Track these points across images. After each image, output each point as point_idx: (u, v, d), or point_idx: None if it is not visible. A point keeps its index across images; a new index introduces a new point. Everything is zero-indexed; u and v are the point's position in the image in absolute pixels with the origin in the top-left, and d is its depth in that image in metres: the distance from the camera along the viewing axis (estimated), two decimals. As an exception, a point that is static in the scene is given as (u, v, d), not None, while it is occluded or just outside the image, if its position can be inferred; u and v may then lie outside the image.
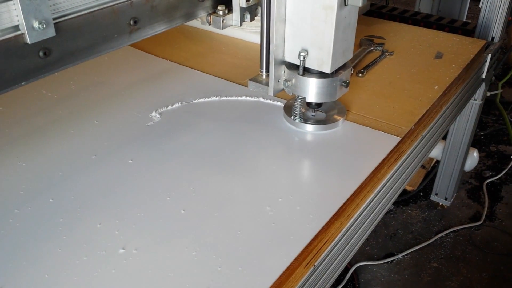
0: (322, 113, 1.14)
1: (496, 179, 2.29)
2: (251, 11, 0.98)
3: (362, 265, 1.85)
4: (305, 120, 1.10)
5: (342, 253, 0.96)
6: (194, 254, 0.79)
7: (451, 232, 2.00)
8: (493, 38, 1.67)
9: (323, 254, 0.87)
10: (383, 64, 1.40)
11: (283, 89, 1.04)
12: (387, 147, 1.06)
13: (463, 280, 1.80)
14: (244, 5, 0.95)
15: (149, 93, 1.22)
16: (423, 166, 2.29)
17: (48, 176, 0.95)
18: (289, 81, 1.02)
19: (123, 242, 0.80)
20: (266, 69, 1.04)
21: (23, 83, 0.70)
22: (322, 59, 0.96)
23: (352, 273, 1.81)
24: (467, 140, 1.90)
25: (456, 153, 1.96)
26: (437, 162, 2.12)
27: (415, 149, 1.18)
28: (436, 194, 2.12)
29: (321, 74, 1.00)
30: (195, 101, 1.19)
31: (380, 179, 1.02)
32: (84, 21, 0.75)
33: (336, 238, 0.90)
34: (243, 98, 1.21)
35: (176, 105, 1.17)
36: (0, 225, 0.84)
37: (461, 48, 1.50)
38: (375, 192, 1.00)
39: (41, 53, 0.70)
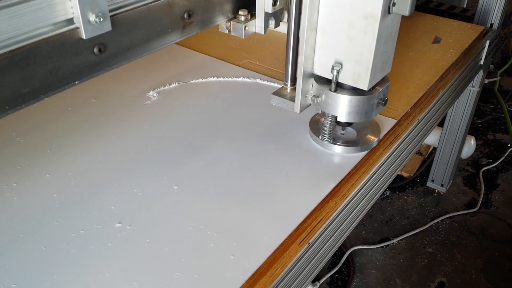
0: (352, 132, 1.04)
1: (493, 167, 2.30)
2: (276, 16, 0.87)
3: (357, 249, 1.87)
4: (334, 140, 1.00)
5: (336, 232, 0.97)
6: (189, 229, 0.80)
7: (447, 218, 2.01)
8: (492, 24, 1.67)
9: (318, 232, 0.88)
10: (381, 48, 1.40)
11: (310, 105, 0.93)
12: (383, 129, 1.06)
13: (458, 265, 1.81)
14: (270, 10, 0.83)
15: (146, 72, 1.22)
16: (419, 153, 2.30)
17: (45, 151, 0.95)
18: (318, 97, 0.90)
19: (119, 216, 0.81)
20: (291, 82, 0.92)
21: (76, 82, 0.64)
22: (359, 74, 0.84)
23: (347, 257, 1.83)
24: (464, 127, 1.91)
25: (453, 140, 1.97)
26: (434, 149, 2.12)
27: (411, 132, 1.19)
28: (433, 181, 2.13)
29: (356, 91, 0.88)
30: (193, 81, 1.19)
31: (375, 161, 1.02)
32: (140, 14, 0.69)
33: (331, 217, 0.91)
34: (241, 79, 1.21)
35: (174, 85, 1.17)
36: (-2, 199, 0.85)
37: (460, 33, 1.50)
38: (370, 173, 1.01)
39: (95, 50, 0.64)
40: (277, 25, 0.88)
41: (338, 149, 0.99)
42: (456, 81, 1.42)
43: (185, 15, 0.75)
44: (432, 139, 2.05)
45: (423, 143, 2.17)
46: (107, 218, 0.81)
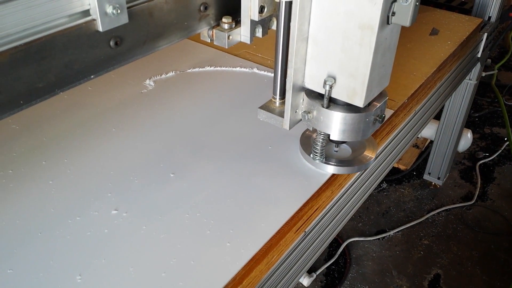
0: (347, 148, 0.96)
1: (489, 161, 2.31)
2: (264, 23, 0.78)
3: (354, 241, 1.87)
4: (327, 158, 0.91)
5: (332, 222, 0.97)
6: (186, 216, 0.80)
7: (443, 211, 2.02)
8: (489, 17, 1.67)
9: (314, 221, 0.88)
10: (379, 39, 1.40)
11: (301, 120, 0.85)
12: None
13: (453, 257, 1.82)
14: (256, 17, 0.75)
15: (143, 61, 1.22)
16: (416, 146, 2.30)
17: (41, 139, 0.95)
18: (309, 112, 0.82)
19: (115, 203, 0.81)
20: (280, 95, 0.83)
21: (92, 76, 0.63)
22: (354, 89, 0.75)
23: (343, 248, 1.83)
24: (461, 120, 1.91)
25: (449, 133, 1.97)
26: (431, 142, 2.13)
27: (408, 123, 1.19)
28: (429, 174, 2.13)
29: (350, 107, 0.80)
30: (189, 70, 1.19)
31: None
32: (156, 6, 0.67)
33: (327, 206, 0.91)
34: (237, 69, 1.21)
35: (170, 74, 1.17)
36: (-6, 186, 0.84)
37: (457, 25, 1.50)
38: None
39: (112, 43, 0.62)
40: (264, 33, 0.80)
41: (331, 169, 0.91)
42: (453, 73, 1.42)
43: (201, 8, 0.73)
44: (429, 132, 2.06)
45: (420, 136, 2.18)
46: (103, 205, 0.81)
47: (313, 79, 0.79)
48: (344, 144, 0.96)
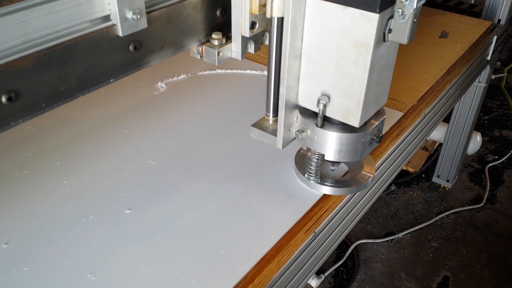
0: (343, 167, 0.93)
1: (498, 163, 2.30)
2: (256, 39, 0.75)
3: (362, 243, 1.88)
4: (322, 178, 0.87)
5: (342, 223, 0.98)
6: (198, 216, 0.81)
7: (452, 213, 2.02)
8: (499, 20, 1.67)
9: (324, 222, 0.89)
10: (388, 41, 1.41)
11: (295, 139, 0.81)
12: (389, 122, 1.07)
13: (462, 260, 1.82)
14: (247, 34, 0.72)
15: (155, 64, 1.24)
16: (425, 149, 2.30)
17: (55, 139, 0.97)
18: (303, 131, 0.79)
19: (128, 203, 0.82)
20: (273, 112, 0.80)
21: (111, 80, 0.64)
22: (349, 108, 0.72)
23: (352, 250, 1.84)
24: (470, 123, 1.91)
25: (459, 136, 1.97)
26: (440, 145, 2.13)
27: (417, 125, 1.19)
28: (438, 176, 2.13)
29: (346, 126, 0.76)
30: (200, 73, 1.20)
31: (381, 153, 1.03)
32: (175, 11, 0.67)
33: (337, 207, 0.92)
34: (248, 71, 1.22)
35: (182, 76, 1.18)
36: (10, 184, 0.86)
37: (467, 28, 1.50)
38: (376, 165, 1.02)
39: (131, 47, 0.63)
40: (257, 49, 0.77)
41: (326, 189, 0.86)
42: (463, 76, 1.42)
43: (218, 13, 0.73)
44: (438, 134, 2.06)
45: (429, 139, 2.18)
46: (117, 204, 0.82)
47: (307, 97, 0.76)
48: (341, 163, 0.93)
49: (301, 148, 0.93)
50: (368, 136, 0.78)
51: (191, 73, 1.20)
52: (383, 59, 0.70)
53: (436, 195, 2.11)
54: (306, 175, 0.87)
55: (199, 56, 0.74)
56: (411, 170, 2.21)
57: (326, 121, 0.77)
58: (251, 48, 0.76)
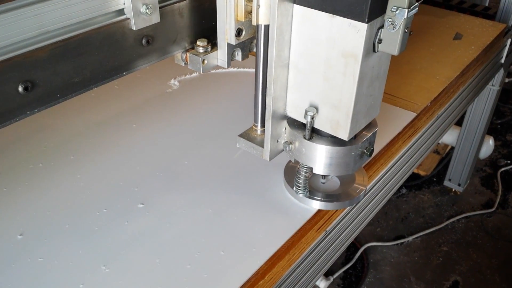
0: (335, 181, 0.88)
1: (511, 168, 2.28)
2: (243, 46, 0.73)
3: (372, 246, 1.87)
4: (311, 192, 0.83)
5: (353, 223, 0.98)
6: (210, 212, 0.81)
7: (463, 217, 2.00)
8: (514, 23, 1.66)
9: (335, 221, 0.88)
10: (402, 43, 1.40)
11: (283, 150, 0.78)
12: (402, 123, 1.07)
13: (473, 264, 1.80)
14: (233, 41, 0.70)
15: (168, 61, 1.24)
16: (437, 152, 2.29)
17: (69, 134, 0.98)
18: (291, 143, 0.76)
19: (141, 198, 0.83)
20: (261, 123, 0.77)
21: (124, 73, 0.65)
22: (338, 121, 0.69)
23: (361, 253, 1.83)
24: (483, 126, 1.90)
25: (471, 139, 1.95)
26: (452, 148, 2.11)
27: (430, 127, 1.19)
28: (450, 180, 2.12)
29: (335, 139, 0.73)
30: (213, 71, 1.21)
31: (394, 153, 1.03)
32: (187, 6, 0.68)
33: (348, 207, 0.92)
34: (261, 70, 1.22)
35: (194, 74, 1.19)
36: (25, 177, 0.87)
37: (481, 30, 1.49)
38: (388, 166, 1.02)
39: (144, 41, 0.64)
40: (245, 57, 0.74)
41: (316, 204, 0.83)
42: (476, 78, 1.41)
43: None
44: (450, 138, 2.04)
45: (441, 142, 2.17)
46: (130, 198, 0.83)
47: (295, 108, 0.73)
48: (331, 176, 0.88)
49: (289, 163, 0.90)
50: (358, 149, 0.75)
51: (202, 72, 1.20)
52: (374, 70, 0.67)
53: (447, 199, 2.10)
54: (294, 188, 0.83)
55: (183, 63, 0.73)
56: (422, 173, 2.19)
57: (315, 133, 0.74)
58: (238, 56, 0.74)
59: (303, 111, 0.70)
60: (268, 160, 0.75)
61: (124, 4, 0.60)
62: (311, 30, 0.65)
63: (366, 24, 0.59)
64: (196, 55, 0.71)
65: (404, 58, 1.31)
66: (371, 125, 0.76)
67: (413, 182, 2.17)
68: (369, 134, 0.75)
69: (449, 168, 2.10)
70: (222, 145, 0.97)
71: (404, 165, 1.12)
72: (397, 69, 1.26)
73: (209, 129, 1.01)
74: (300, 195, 0.83)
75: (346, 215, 0.92)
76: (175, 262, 0.72)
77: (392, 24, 0.59)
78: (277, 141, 0.76)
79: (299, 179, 0.81)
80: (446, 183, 2.14)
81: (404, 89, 1.18)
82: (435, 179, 2.20)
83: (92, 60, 0.60)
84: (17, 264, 0.71)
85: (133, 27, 0.62)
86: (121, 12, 0.61)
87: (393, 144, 1.02)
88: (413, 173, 2.21)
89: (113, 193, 0.84)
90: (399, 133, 1.04)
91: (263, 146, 0.76)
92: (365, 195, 0.87)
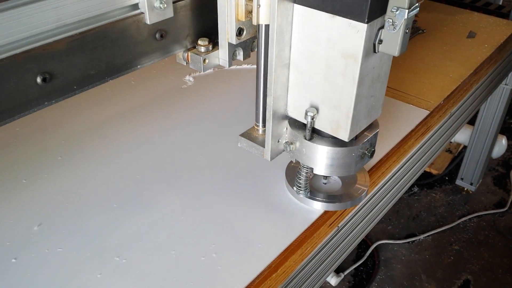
0: (336, 181, 0.88)
1: (524, 168, 2.27)
2: (245, 46, 0.73)
3: (383, 243, 1.87)
4: (313, 192, 0.84)
5: (365, 219, 0.99)
6: (223, 205, 0.83)
7: (475, 217, 2.00)
8: (528, 22, 1.65)
9: (347, 217, 0.89)
10: (415, 41, 1.41)
11: (284, 150, 0.78)
12: (415, 120, 1.07)
13: (484, 263, 1.80)
14: (234, 41, 0.70)
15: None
16: (449, 151, 2.28)
17: (86, 128, 1.00)
18: (292, 143, 0.76)
19: (159, 189, 0.85)
20: (262, 123, 0.78)
21: (138, 66, 0.67)
22: (338, 122, 0.69)
23: (372, 250, 1.83)
24: (496, 125, 1.89)
25: (484, 139, 1.95)
26: (464, 147, 2.11)
27: (443, 125, 1.19)
28: (462, 179, 2.11)
29: (336, 140, 0.73)
30: (227, 68, 1.22)
31: (406, 150, 1.03)
32: (200, 2, 0.69)
33: (360, 204, 0.92)
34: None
35: (209, 70, 1.20)
36: (44, 169, 0.90)
37: (495, 29, 1.49)
38: (401, 163, 1.02)
39: (157, 35, 0.66)
40: (246, 56, 0.75)
41: (317, 204, 0.83)
42: (490, 77, 1.41)
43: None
44: (463, 137, 2.04)
45: (453, 141, 2.16)
46: (147, 191, 0.85)
47: (296, 108, 0.73)
48: (333, 177, 0.88)
49: (291, 163, 0.90)
50: (359, 150, 0.75)
51: (219, 68, 1.22)
52: (375, 71, 0.67)
53: (459, 198, 2.09)
54: (295, 188, 0.84)
55: (185, 62, 0.73)
56: (434, 172, 2.19)
57: (316, 134, 0.74)
58: (239, 55, 0.74)
59: (304, 112, 0.70)
60: (269, 160, 0.76)
61: None
62: (311, 30, 0.65)
63: (366, 25, 0.59)
64: (197, 54, 0.71)
65: (418, 56, 1.32)
66: (372, 126, 0.76)
67: (425, 181, 2.17)
68: (370, 135, 0.76)
69: (461, 167, 2.10)
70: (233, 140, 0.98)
71: (416, 163, 1.12)
72: (410, 67, 1.27)
73: (224, 124, 1.03)
74: (301, 195, 0.83)
75: (358, 211, 0.93)
76: (190, 254, 0.74)
77: (393, 24, 0.59)
78: (278, 141, 0.76)
79: (300, 179, 0.81)
80: (458, 182, 2.13)
81: (417, 86, 1.18)
82: (447, 178, 2.20)
83: (107, 53, 0.62)
84: (36, 254, 0.73)
85: (148, 21, 0.63)
86: (135, 6, 0.63)
87: (406, 141, 1.03)
88: (425, 171, 2.21)
89: (129, 185, 0.86)
90: (412, 130, 1.05)
91: (264, 146, 0.76)
92: (366, 195, 0.87)
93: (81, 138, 0.97)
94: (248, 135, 0.79)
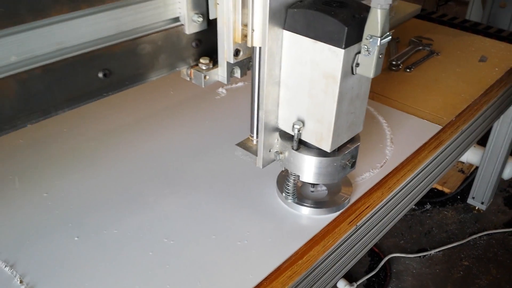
0: (323, 190, 0.97)
1: (534, 190, 2.33)
2: (242, 65, 0.82)
3: (395, 257, 1.94)
4: (300, 199, 0.93)
5: (381, 222, 1.07)
6: (256, 200, 0.93)
7: (485, 235, 2.06)
8: (539, 49, 1.74)
9: (365, 217, 0.98)
10: (430, 62, 1.51)
11: (275, 160, 0.87)
12: (428, 134, 1.16)
13: (493, 280, 1.86)
14: (231, 60, 0.79)
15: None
16: (462, 171, 2.36)
17: (116, 126, 1.12)
18: (281, 153, 0.85)
19: (196, 182, 0.96)
20: (256, 134, 0.87)
21: (177, 68, 0.79)
22: (321, 134, 0.79)
23: (384, 263, 1.90)
24: (507, 147, 1.96)
25: (495, 160, 2.02)
26: (476, 168, 2.18)
27: (454, 140, 1.27)
28: (473, 198, 2.18)
29: (320, 151, 0.82)
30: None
31: (420, 161, 1.12)
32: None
33: (377, 206, 1.01)
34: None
35: (240, 84, 1.31)
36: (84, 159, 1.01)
37: (506, 54, 1.58)
38: (415, 172, 1.11)
39: (194, 44, 0.78)
40: (243, 74, 0.84)
41: (304, 210, 0.92)
42: (500, 98, 1.50)
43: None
44: (475, 158, 2.11)
45: (466, 162, 2.23)
46: (185, 182, 0.96)
47: (286, 122, 0.82)
48: (320, 185, 0.97)
49: (282, 172, 0.99)
50: (341, 161, 0.84)
51: (248, 82, 1.33)
52: (354, 91, 0.76)
53: (470, 216, 2.16)
54: (284, 194, 0.92)
55: (188, 78, 0.83)
56: (447, 191, 2.27)
57: (302, 145, 0.83)
58: (237, 73, 0.83)
59: (292, 124, 0.80)
60: (261, 167, 0.85)
61: (180, 13, 0.75)
62: (298, 52, 0.74)
63: (343, 50, 0.68)
64: (199, 71, 0.81)
65: (432, 76, 1.41)
66: (354, 140, 0.86)
67: (438, 199, 2.25)
68: (352, 148, 0.85)
69: (472, 187, 2.17)
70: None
71: (428, 175, 1.21)
72: (425, 86, 1.36)
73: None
74: (289, 201, 0.92)
75: (376, 213, 1.02)
76: (228, 240, 0.84)
77: (367, 50, 0.68)
78: (270, 151, 0.85)
79: (288, 186, 0.90)
80: (470, 201, 2.20)
81: (431, 104, 1.28)
82: (459, 197, 2.27)
83: (154, 56, 0.75)
84: (95, 235, 0.84)
85: (186, 32, 0.76)
86: (177, 19, 0.76)
87: (420, 152, 1.12)
88: (438, 190, 2.28)
89: (160, 181, 0.97)
90: (425, 143, 1.14)
91: (257, 155, 0.85)
92: (349, 202, 0.96)
93: (119, 133, 1.08)
94: (243, 144, 0.89)
